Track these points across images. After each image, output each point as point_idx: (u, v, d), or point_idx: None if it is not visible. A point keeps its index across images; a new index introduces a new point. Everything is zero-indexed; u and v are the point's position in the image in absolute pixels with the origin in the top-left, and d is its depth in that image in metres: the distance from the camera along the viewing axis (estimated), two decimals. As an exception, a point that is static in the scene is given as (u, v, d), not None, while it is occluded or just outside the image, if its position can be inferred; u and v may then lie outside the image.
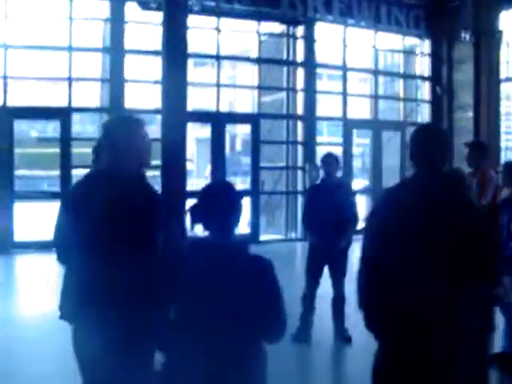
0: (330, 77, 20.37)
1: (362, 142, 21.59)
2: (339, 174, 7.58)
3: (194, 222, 3.17)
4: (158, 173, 9.89)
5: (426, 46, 18.17)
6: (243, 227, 15.91)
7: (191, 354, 2.98)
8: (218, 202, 3.17)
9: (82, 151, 13.07)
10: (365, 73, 18.28)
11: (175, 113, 9.07)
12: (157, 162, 10.66)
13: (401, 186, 3.58)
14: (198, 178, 26.69)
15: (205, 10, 14.70)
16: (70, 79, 13.83)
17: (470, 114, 17.07)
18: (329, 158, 7.38)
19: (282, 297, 3.10)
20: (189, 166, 35.70)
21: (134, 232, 3.42)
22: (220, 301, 2.97)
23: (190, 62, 14.24)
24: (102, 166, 3.85)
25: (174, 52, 9.24)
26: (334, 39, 16.94)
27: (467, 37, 15.50)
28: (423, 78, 18.46)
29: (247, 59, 17.29)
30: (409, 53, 18.51)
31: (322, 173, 7.84)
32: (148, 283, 3.23)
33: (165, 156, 9.29)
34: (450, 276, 3.05)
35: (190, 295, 3.02)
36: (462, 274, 3.05)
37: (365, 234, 3.44)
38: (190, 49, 14.73)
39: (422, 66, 18.43)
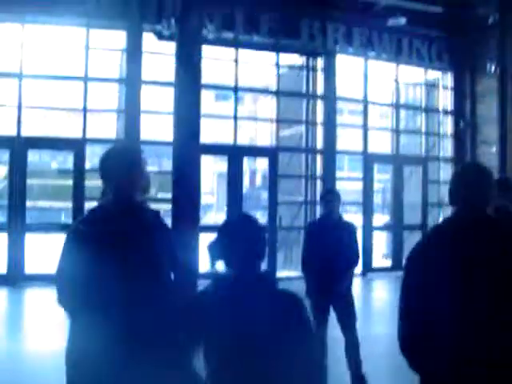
0: (351, 111, 20.07)
1: (382, 178, 21.18)
2: (339, 211, 7.21)
3: (214, 258, 3.03)
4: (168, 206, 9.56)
5: (448, 79, 17.82)
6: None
7: None
8: (239, 235, 3.02)
9: (97, 183, 12.73)
10: (386, 106, 17.94)
11: (187, 144, 8.73)
12: (168, 194, 10.40)
13: (453, 223, 3.24)
14: (218, 212, 26.38)
15: (222, 41, 14.50)
16: (85, 110, 13.62)
17: (494, 149, 16.64)
18: (328, 195, 7.05)
19: (313, 335, 3.01)
20: (209, 199, 35.74)
21: (156, 271, 3.34)
22: (250, 341, 2.82)
23: (211, 95, 14.01)
24: (105, 200, 3.64)
25: (187, 82, 8.95)
26: (355, 72, 16.64)
27: (492, 68, 15.16)
28: (446, 112, 18.06)
29: (266, 91, 17.00)
30: (431, 86, 18.13)
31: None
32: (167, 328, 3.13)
33: (175, 188, 8.93)
34: None
35: (222, 339, 2.87)
36: None
37: (411, 274, 3.11)
38: (208, 80, 14.59)
39: (445, 99, 18.04)
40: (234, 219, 3.39)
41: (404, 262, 3.28)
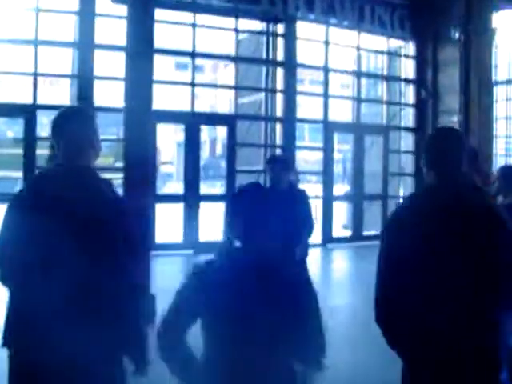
0: (311, 79, 19.76)
1: (342, 148, 21.00)
2: (291, 178, 6.81)
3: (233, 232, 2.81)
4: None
5: (410, 47, 17.57)
6: (217, 233, 15.27)
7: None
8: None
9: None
10: (347, 74, 17.65)
11: (138, 111, 8.32)
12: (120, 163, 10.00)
13: (427, 193, 3.23)
14: (178, 182, 25.94)
15: (180, 6, 14.03)
16: (35, 75, 13.04)
17: (456, 118, 16.50)
18: (271, 163, 6.65)
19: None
20: (169, 169, 35.31)
21: (102, 243, 2.99)
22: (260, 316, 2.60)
23: (171, 63, 13.56)
24: (53, 164, 3.28)
25: (139, 47, 8.52)
26: (316, 39, 16.28)
27: (456, 35, 14.95)
28: (407, 81, 17.84)
29: (225, 57, 16.52)
30: (393, 54, 17.87)
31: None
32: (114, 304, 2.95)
33: (127, 157, 8.54)
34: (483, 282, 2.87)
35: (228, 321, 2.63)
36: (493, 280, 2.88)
37: (386, 241, 3.11)
38: (165, 46, 14.14)
39: (407, 68, 17.81)
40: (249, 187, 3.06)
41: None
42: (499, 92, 16.84)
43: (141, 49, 8.86)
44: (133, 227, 3.23)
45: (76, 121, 3.25)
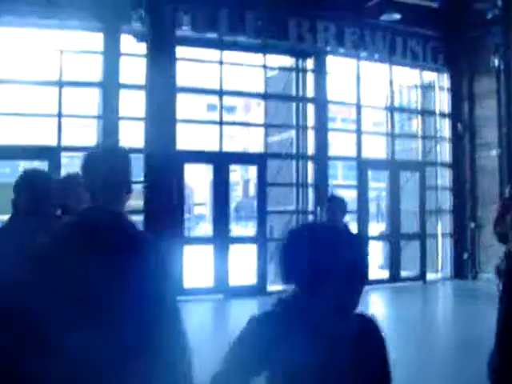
0: (344, 115, 19.27)
1: (377, 185, 20.37)
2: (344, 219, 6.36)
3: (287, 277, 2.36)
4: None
5: (444, 80, 17.01)
6: (249, 277, 14.75)
7: None
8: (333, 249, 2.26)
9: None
10: (380, 109, 17.12)
11: (162, 152, 7.88)
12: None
13: None
14: (210, 223, 25.45)
15: (205, 42, 13.70)
16: (59, 116, 12.74)
17: (495, 152, 15.86)
18: (328, 202, 6.45)
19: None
20: (202, 210, 34.95)
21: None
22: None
23: (203, 104, 13.23)
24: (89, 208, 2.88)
25: (160, 85, 8.14)
26: (347, 74, 15.83)
27: (495, 63, 14.37)
28: (443, 115, 17.24)
29: (254, 95, 16.10)
30: (427, 87, 17.33)
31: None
32: None
33: (147, 199, 8.08)
34: None
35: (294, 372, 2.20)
36: None
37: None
38: (192, 83, 13.87)
39: (441, 101, 17.22)
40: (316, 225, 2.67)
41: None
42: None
43: (162, 87, 8.49)
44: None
45: (114, 159, 2.88)
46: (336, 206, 6.19)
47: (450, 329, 10.56)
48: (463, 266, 16.29)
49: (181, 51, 12.98)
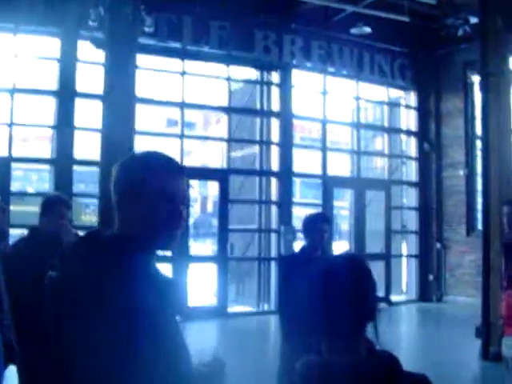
0: (309, 130, 18.84)
1: (342, 204, 19.92)
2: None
3: None
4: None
5: (411, 97, 16.69)
6: (209, 297, 14.15)
7: None
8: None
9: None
10: (346, 126, 16.70)
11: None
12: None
13: None
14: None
15: (168, 51, 13.13)
16: (11, 125, 11.99)
17: (462, 172, 15.58)
18: (319, 221, 5.47)
19: None
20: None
21: None
22: None
23: (162, 119, 12.62)
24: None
25: (118, 94, 7.56)
26: (313, 88, 15.38)
27: (472, 79, 14.10)
28: (409, 133, 16.92)
29: (216, 108, 15.52)
30: (393, 105, 16.99)
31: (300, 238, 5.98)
32: None
33: (101, 213, 7.45)
34: None
35: None
36: None
37: None
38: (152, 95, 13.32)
39: (408, 119, 16.90)
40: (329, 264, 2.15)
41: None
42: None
43: (121, 97, 7.90)
44: None
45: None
46: (326, 224, 5.47)
47: (410, 353, 10.10)
48: (428, 288, 15.91)
49: (142, 60, 12.36)
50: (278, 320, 5.50)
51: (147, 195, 2.05)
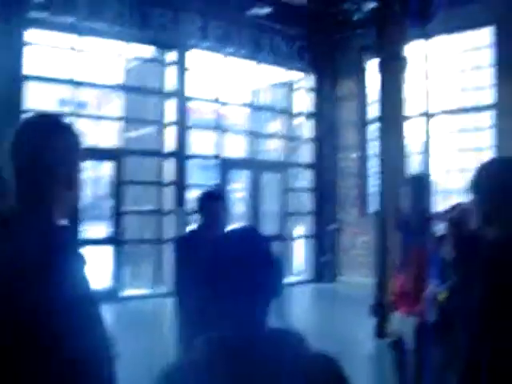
0: (205, 111, 18.64)
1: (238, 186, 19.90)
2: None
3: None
4: None
5: (308, 80, 16.81)
6: (103, 281, 13.79)
7: None
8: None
9: None
10: (243, 107, 16.64)
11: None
12: None
13: None
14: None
15: (59, 26, 12.56)
16: None
17: (355, 154, 15.88)
18: (214, 198, 5.21)
19: None
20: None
21: None
22: None
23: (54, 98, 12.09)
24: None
25: (3, 72, 7.14)
26: (211, 69, 15.21)
27: (367, 63, 14.30)
28: (306, 116, 17.05)
29: (111, 87, 15.06)
30: (290, 87, 17.07)
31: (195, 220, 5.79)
32: None
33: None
34: None
35: None
36: None
37: None
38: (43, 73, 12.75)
39: (305, 102, 17.01)
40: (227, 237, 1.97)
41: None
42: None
43: (7, 75, 7.48)
44: None
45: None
46: (219, 204, 5.27)
47: (306, 332, 10.23)
48: (323, 269, 16.17)
49: (33, 35, 11.81)
50: (175, 304, 5.33)
51: None
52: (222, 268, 1.81)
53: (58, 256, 1.82)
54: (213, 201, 5.15)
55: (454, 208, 4.89)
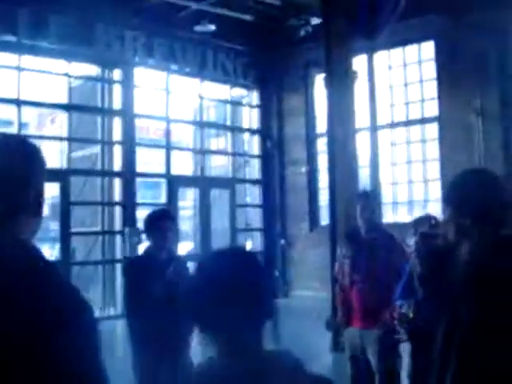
0: (152, 129, 18.48)
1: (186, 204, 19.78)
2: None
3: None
4: None
5: (254, 96, 16.85)
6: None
7: None
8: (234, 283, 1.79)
9: None
10: (189, 124, 16.55)
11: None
12: None
13: None
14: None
15: (4, 46, 12.28)
16: None
17: (304, 169, 15.95)
18: (161, 218, 5.20)
19: None
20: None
21: None
22: None
23: None
24: None
25: None
26: (156, 86, 15.10)
27: (313, 78, 14.37)
28: (252, 132, 17.08)
29: (55, 106, 14.78)
30: (236, 104, 17.08)
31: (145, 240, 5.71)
32: None
33: None
34: None
35: None
36: None
37: None
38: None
39: (251, 118, 17.04)
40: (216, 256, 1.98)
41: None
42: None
43: None
44: None
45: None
46: (171, 223, 5.22)
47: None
48: (275, 285, 16.11)
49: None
50: (128, 327, 5.21)
51: None
52: (222, 293, 1.75)
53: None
54: (161, 220, 5.11)
55: (421, 220, 4.89)
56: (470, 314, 2.45)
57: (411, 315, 4.53)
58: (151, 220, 5.16)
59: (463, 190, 2.67)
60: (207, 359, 1.78)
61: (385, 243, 5.54)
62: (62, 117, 14.47)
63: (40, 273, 1.73)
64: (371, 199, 5.77)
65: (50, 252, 15.76)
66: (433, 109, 13.93)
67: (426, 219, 4.76)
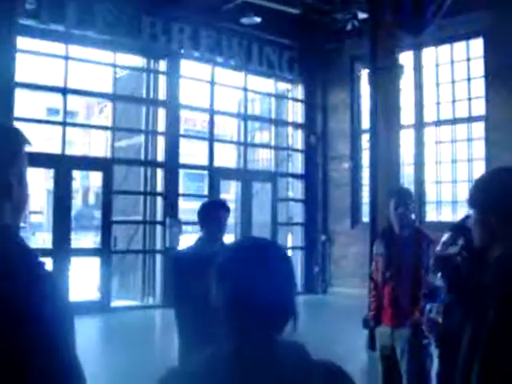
0: (196, 120, 18.57)
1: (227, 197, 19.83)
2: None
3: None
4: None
5: (299, 90, 16.77)
6: (92, 292, 13.65)
7: None
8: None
9: None
10: (233, 117, 16.56)
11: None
12: None
13: None
14: (48, 233, 23.91)
15: (50, 35, 12.46)
16: None
17: (347, 164, 15.82)
18: (217, 208, 4.93)
19: None
20: (39, 218, 32.91)
21: None
22: None
23: (42, 107, 11.96)
24: None
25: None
26: (201, 78, 15.14)
27: (359, 73, 14.25)
28: (296, 126, 17.00)
29: (101, 95, 14.95)
30: (281, 97, 17.01)
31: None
32: None
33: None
34: None
35: None
36: None
37: None
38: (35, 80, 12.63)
39: (295, 112, 16.96)
40: (238, 248, 1.89)
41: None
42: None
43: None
44: None
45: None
46: (221, 216, 5.14)
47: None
48: (314, 280, 16.06)
49: (22, 42, 11.70)
50: (175, 317, 5.20)
51: None
52: (253, 286, 1.72)
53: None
54: (219, 210, 4.99)
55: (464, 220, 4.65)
56: (495, 317, 2.37)
57: (440, 320, 4.43)
58: (208, 210, 5.04)
59: (493, 189, 2.56)
60: (217, 346, 1.76)
61: (417, 241, 5.46)
62: (108, 106, 14.61)
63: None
64: (404, 196, 5.66)
65: (94, 239, 16.01)
66: (480, 107, 13.66)
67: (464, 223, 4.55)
